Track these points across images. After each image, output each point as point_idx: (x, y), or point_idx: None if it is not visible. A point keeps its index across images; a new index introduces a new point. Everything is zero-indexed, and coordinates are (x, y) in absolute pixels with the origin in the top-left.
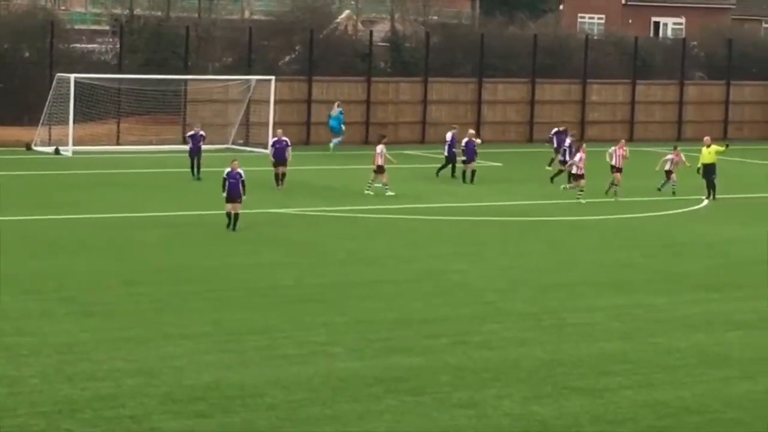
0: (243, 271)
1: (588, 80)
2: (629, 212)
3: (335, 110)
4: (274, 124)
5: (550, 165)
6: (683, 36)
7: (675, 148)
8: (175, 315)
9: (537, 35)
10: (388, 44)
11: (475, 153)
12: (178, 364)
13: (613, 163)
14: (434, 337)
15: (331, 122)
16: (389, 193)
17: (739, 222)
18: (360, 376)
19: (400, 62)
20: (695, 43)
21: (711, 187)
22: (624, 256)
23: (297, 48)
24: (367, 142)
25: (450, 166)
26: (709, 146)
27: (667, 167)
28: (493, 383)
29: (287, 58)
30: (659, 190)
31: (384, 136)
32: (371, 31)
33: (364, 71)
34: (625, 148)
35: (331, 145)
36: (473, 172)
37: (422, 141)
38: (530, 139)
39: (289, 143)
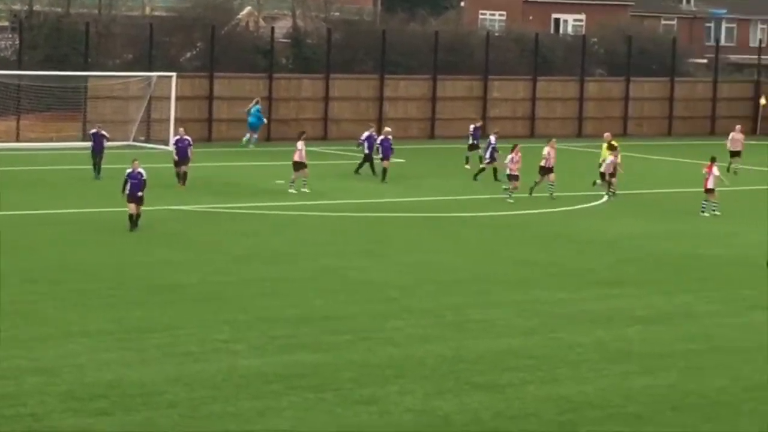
0: (144, 268)
1: (489, 77)
2: (530, 209)
3: (252, 106)
4: (176, 120)
5: (467, 162)
6: (583, 33)
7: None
8: (75, 313)
9: (438, 32)
10: (289, 41)
11: (392, 150)
12: (78, 362)
13: (602, 170)
14: (337, 334)
15: (249, 118)
16: (306, 189)
17: (640, 218)
18: (262, 374)
19: (302, 59)
20: (595, 39)
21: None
22: (525, 253)
23: (198, 44)
24: (269, 138)
25: (368, 163)
26: (610, 143)
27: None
28: (395, 380)
29: (188, 55)
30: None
31: (303, 132)
32: (273, 28)
33: (266, 68)
34: (617, 157)
35: (244, 140)
36: (384, 170)
37: (324, 138)
38: (432, 136)
39: (191, 142)
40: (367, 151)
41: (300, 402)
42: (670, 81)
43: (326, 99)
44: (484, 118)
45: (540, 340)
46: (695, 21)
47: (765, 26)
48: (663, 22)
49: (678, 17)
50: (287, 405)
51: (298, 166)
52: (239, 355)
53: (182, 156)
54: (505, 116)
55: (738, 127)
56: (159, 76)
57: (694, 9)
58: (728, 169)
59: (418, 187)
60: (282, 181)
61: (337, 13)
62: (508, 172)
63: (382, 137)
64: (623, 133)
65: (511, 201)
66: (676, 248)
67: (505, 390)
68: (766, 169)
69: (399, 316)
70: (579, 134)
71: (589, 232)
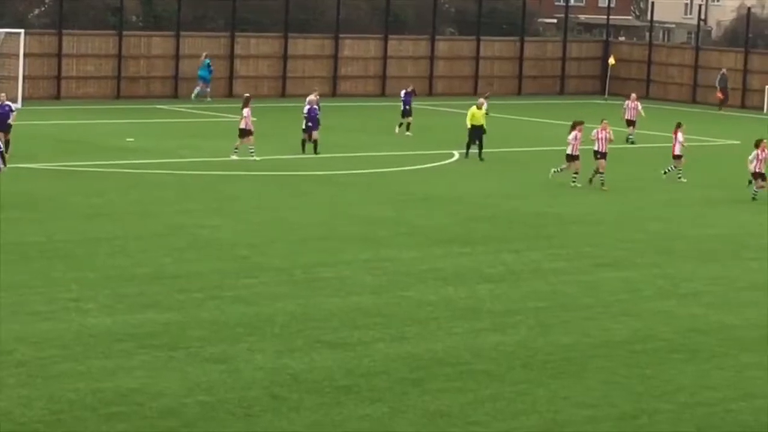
0: None
1: (340, 35)
2: (381, 167)
3: (202, 60)
4: (24, 78)
5: (399, 127)
6: None
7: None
8: None
9: None
10: None
11: (319, 121)
12: None
13: (596, 148)
14: (187, 293)
15: (200, 71)
16: (255, 157)
17: (490, 177)
18: (112, 332)
19: (152, 16)
20: None
21: (480, 147)
22: (374, 211)
23: (47, 1)
24: (119, 96)
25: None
26: (480, 107)
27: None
28: (246, 338)
29: (36, 11)
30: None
31: (249, 98)
32: None
33: (116, 25)
34: (608, 129)
35: (195, 93)
36: (315, 142)
37: (175, 96)
38: (283, 94)
39: (13, 108)
40: (404, 109)
41: (150, 361)
42: (519, 40)
43: (177, 57)
44: (335, 76)
45: (390, 298)
46: None
47: None
48: None
49: None
50: (138, 364)
51: (244, 133)
52: (89, 314)
53: (2, 124)
54: (357, 75)
55: (633, 95)
56: (7, 33)
57: None
58: (627, 140)
59: (267, 145)
60: (132, 139)
61: None
62: (570, 151)
63: (308, 107)
64: (473, 93)
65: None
66: (525, 206)
67: (355, 348)
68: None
69: (249, 274)
70: (430, 93)
71: (439, 190)
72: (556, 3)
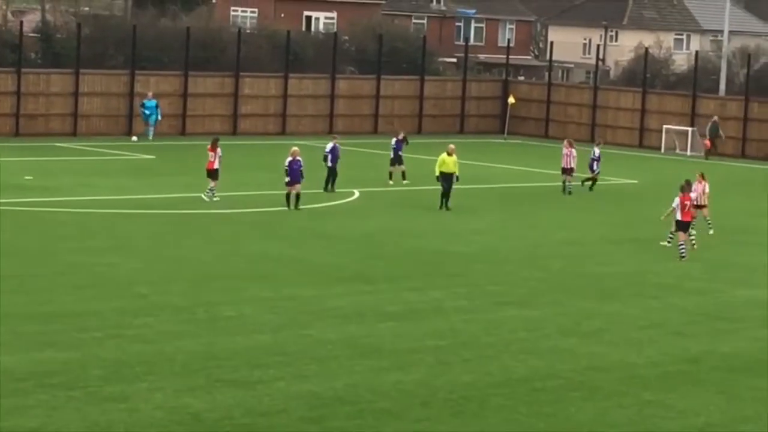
0: None
1: (241, 73)
2: (281, 206)
3: (149, 98)
4: None
5: (391, 178)
6: (335, 30)
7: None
8: None
9: (189, 28)
10: (38, 35)
11: (302, 175)
12: None
13: (695, 201)
14: (86, 331)
15: (151, 112)
16: (216, 199)
17: (391, 215)
18: (10, 371)
19: (51, 53)
20: (346, 37)
21: (448, 195)
22: (275, 249)
23: None
24: (17, 134)
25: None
26: (451, 154)
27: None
28: (146, 376)
29: None
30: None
31: (218, 139)
32: (21, 22)
33: (14, 62)
34: (704, 183)
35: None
36: (298, 196)
37: (74, 133)
38: (183, 132)
39: None
40: (330, 164)
41: (49, 400)
42: (420, 79)
43: (76, 94)
44: (235, 115)
45: (290, 337)
46: (445, 20)
47: (513, 27)
48: (413, 21)
49: (428, 16)
50: (36, 403)
51: (214, 174)
52: None
53: None
54: (257, 113)
55: (566, 141)
56: None
57: (444, 8)
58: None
59: (167, 183)
60: (30, 177)
61: (87, 8)
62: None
63: (290, 159)
64: (374, 131)
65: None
66: (426, 245)
67: (255, 386)
68: (512, 167)
69: (149, 313)
70: (330, 131)
71: (339, 228)
72: (456, 43)
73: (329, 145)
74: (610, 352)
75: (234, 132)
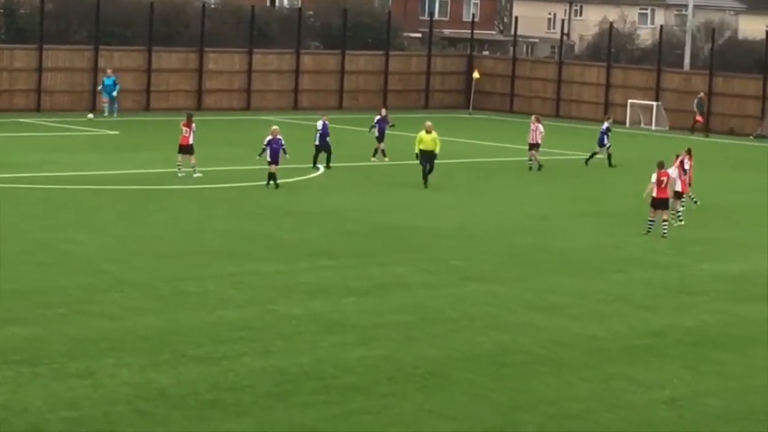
0: None
1: (205, 49)
2: (245, 181)
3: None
4: None
5: (375, 154)
6: (299, 6)
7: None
8: None
9: (153, 3)
10: (1, 10)
11: (285, 152)
12: None
13: (677, 189)
14: (50, 308)
15: (110, 90)
16: (197, 174)
17: (355, 190)
18: None
19: (15, 29)
20: (311, 12)
21: (429, 172)
22: (240, 225)
23: None
24: None
25: (327, 155)
26: (429, 132)
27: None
28: (110, 352)
29: None
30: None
31: (191, 114)
32: None
33: None
34: (686, 161)
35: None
36: (275, 175)
37: (38, 109)
38: (147, 108)
39: None
40: (318, 143)
41: (14, 376)
42: (384, 54)
43: (39, 70)
44: (199, 90)
45: (255, 312)
46: None
47: (477, 1)
48: None
49: None
50: (0, 380)
51: (190, 149)
52: None
53: None
54: (222, 89)
55: (533, 117)
56: None
57: None
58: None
59: (132, 159)
60: None
61: None
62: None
63: (269, 137)
64: (339, 107)
65: None
66: (391, 220)
67: (220, 362)
68: (477, 142)
69: (114, 289)
70: (295, 107)
71: (304, 204)
72: (421, 18)
73: (319, 123)
74: (574, 326)
75: (198, 107)
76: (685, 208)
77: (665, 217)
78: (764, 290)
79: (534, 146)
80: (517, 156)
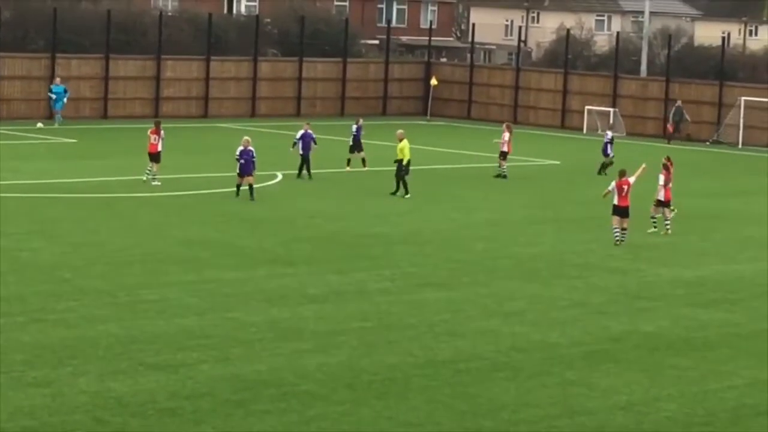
0: None
1: (162, 56)
2: (202, 189)
3: (57, 83)
4: None
5: (348, 164)
6: (257, 13)
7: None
8: None
9: (110, 11)
10: None
11: (254, 165)
12: None
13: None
14: (8, 316)
15: (58, 100)
16: (156, 183)
17: (313, 197)
18: None
19: None
20: (269, 20)
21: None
22: (198, 232)
23: None
24: None
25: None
26: (401, 140)
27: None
28: (69, 361)
29: None
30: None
31: (160, 122)
32: None
33: None
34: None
35: (58, 123)
36: (251, 187)
37: None
38: (105, 116)
39: None
40: (302, 152)
41: None
42: (342, 61)
43: None
44: (157, 98)
45: (214, 320)
46: (367, 2)
47: (435, 8)
48: (336, 2)
49: None
50: None
51: (157, 157)
52: None
53: None
54: (179, 96)
55: (504, 125)
56: None
57: None
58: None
59: (90, 167)
60: None
61: None
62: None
63: (241, 148)
64: (297, 114)
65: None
66: (349, 227)
67: (179, 370)
68: (435, 149)
69: (71, 297)
70: (252, 114)
71: (262, 211)
72: (378, 25)
73: (299, 132)
74: (532, 332)
75: (156, 115)
76: (674, 214)
77: (624, 225)
78: (721, 295)
79: (502, 155)
80: (474, 163)
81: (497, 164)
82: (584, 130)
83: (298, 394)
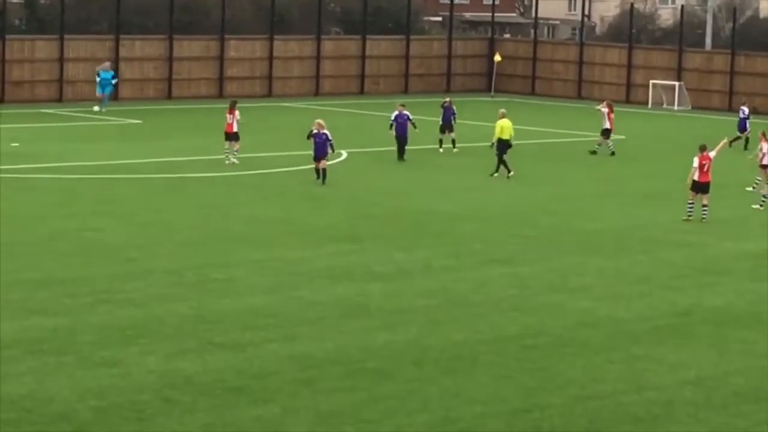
0: None
1: (226, 36)
2: (268, 168)
3: (106, 68)
4: None
5: (441, 146)
6: None
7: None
8: None
9: None
10: (22, 1)
11: (332, 147)
12: None
13: (761, 160)
14: (75, 297)
15: (107, 84)
16: (235, 160)
17: (378, 175)
18: None
19: (36, 20)
20: None
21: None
22: (264, 211)
23: None
24: (3, 101)
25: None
26: (503, 118)
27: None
28: (136, 340)
29: None
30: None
31: (236, 101)
32: None
33: None
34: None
35: (104, 107)
36: (324, 171)
37: (60, 99)
38: (169, 96)
39: None
40: (398, 133)
41: (39, 366)
42: (405, 39)
43: (61, 60)
44: (221, 78)
45: (280, 299)
46: None
47: None
48: None
49: None
50: (26, 370)
51: (234, 136)
52: None
53: None
54: (243, 76)
55: (604, 102)
56: None
57: None
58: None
59: (155, 148)
60: (17, 144)
61: None
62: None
63: (314, 131)
64: (360, 92)
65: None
66: (414, 204)
67: (246, 349)
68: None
69: (139, 277)
70: (317, 93)
71: (327, 189)
72: (441, 1)
73: (393, 113)
74: (599, 308)
75: (220, 95)
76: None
77: (705, 201)
78: None
79: (606, 132)
80: (538, 138)
81: (598, 142)
82: (649, 105)
83: (365, 371)
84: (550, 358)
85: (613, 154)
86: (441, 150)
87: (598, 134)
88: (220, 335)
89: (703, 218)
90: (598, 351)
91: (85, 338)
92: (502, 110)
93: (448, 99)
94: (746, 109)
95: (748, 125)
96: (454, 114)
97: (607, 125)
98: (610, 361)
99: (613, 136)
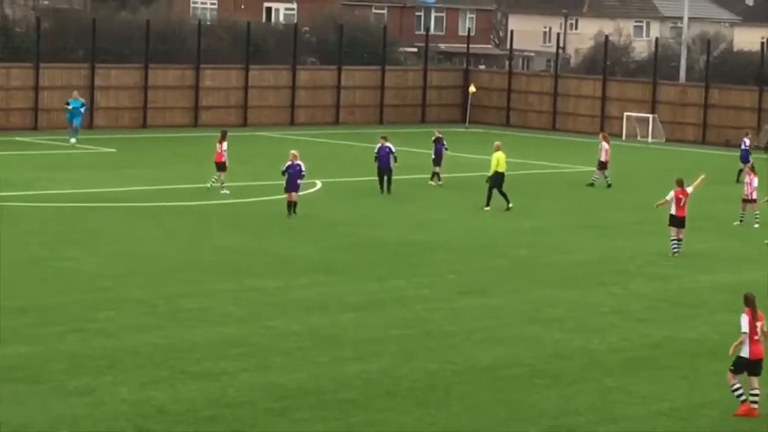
0: None
1: (202, 65)
2: (242, 197)
3: (76, 98)
4: None
5: (432, 179)
6: (295, 21)
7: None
8: None
9: (149, 20)
10: None
11: (301, 177)
12: None
13: (748, 196)
14: (49, 326)
15: (76, 113)
16: (226, 191)
17: (352, 205)
18: None
19: (11, 48)
20: (307, 28)
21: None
22: (238, 241)
23: None
24: None
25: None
26: (497, 151)
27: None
28: (109, 370)
29: None
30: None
31: (226, 132)
32: None
33: None
34: (753, 176)
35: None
36: (294, 204)
37: (35, 128)
38: (144, 125)
39: None
40: (382, 165)
41: (12, 395)
42: (381, 69)
43: (36, 88)
44: (196, 107)
45: (254, 329)
46: (405, 10)
47: (473, 16)
48: (374, 11)
49: (389, 6)
50: (1, 398)
51: (222, 167)
52: None
53: None
54: (219, 105)
55: (601, 134)
56: None
57: None
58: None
59: (129, 176)
60: None
61: (46, 2)
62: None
63: (288, 162)
64: (335, 122)
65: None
66: (388, 235)
67: (220, 378)
68: (473, 156)
69: (112, 307)
70: (291, 122)
71: (301, 219)
72: (417, 32)
73: (377, 146)
74: (572, 339)
75: (195, 124)
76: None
77: (681, 235)
78: (761, 302)
79: (602, 164)
80: (513, 170)
81: (596, 175)
82: (623, 137)
83: (339, 402)
84: (523, 389)
85: (609, 186)
86: (432, 183)
87: (594, 167)
88: (192, 365)
89: (677, 252)
90: (571, 382)
91: (58, 367)
92: (497, 143)
93: (440, 134)
94: (748, 141)
95: (750, 157)
96: (445, 147)
97: (603, 158)
98: (583, 392)
99: (586, 168)
